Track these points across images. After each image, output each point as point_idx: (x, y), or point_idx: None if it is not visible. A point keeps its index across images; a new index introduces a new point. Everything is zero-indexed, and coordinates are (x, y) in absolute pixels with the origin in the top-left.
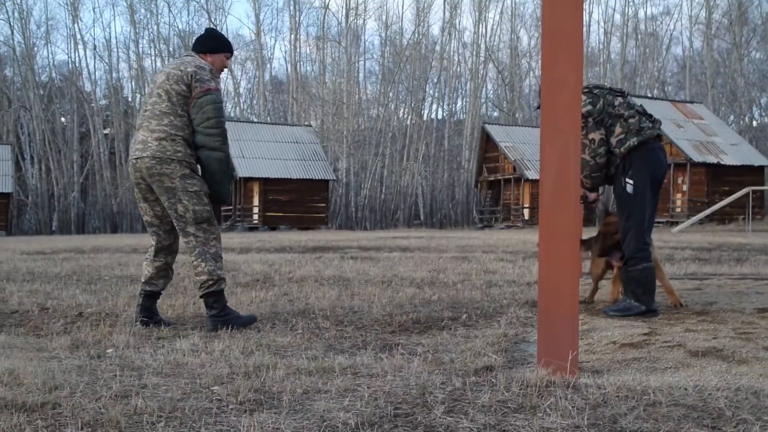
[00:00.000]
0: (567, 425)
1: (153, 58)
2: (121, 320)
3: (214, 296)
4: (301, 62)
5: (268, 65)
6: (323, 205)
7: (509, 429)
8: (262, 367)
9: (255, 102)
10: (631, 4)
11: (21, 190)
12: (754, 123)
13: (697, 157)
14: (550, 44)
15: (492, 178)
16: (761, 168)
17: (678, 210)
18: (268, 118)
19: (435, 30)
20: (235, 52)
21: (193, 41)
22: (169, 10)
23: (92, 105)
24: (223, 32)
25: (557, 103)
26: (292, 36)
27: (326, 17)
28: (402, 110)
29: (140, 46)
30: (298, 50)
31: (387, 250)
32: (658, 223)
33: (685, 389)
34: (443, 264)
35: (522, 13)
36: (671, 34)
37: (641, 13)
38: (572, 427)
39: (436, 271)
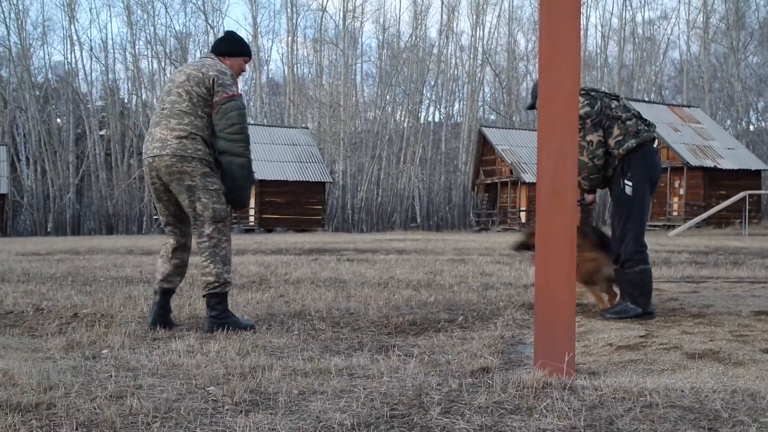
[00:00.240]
0: (563, 426)
1: (149, 59)
2: (116, 321)
3: (217, 297)
4: (298, 64)
5: (265, 67)
6: (320, 207)
7: (506, 430)
8: (258, 368)
9: (252, 104)
10: (628, 8)
11: (16, 191)
12: (751, 127)
13: (694, 161)
14: (547, 47)
15: (489, 181)
16: (758, 172)
17: (675, 214)
18: (265, 120)
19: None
20: None
21: (213, 43)
22: (166, 12)
23: (88, 106)
24: (220, 34)
25: (554, 105)
26: (289, 38)
27: (323, 19)
28: (399, 113)
29: (137, 47)
30: (295, 52)
31: (383, 252)
32: (655, 226)
33: (682, 391)
34: (440, 266)
35: (519, 16)
36: (668, 39)
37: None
38: (569, 428)
39: (433, 273)
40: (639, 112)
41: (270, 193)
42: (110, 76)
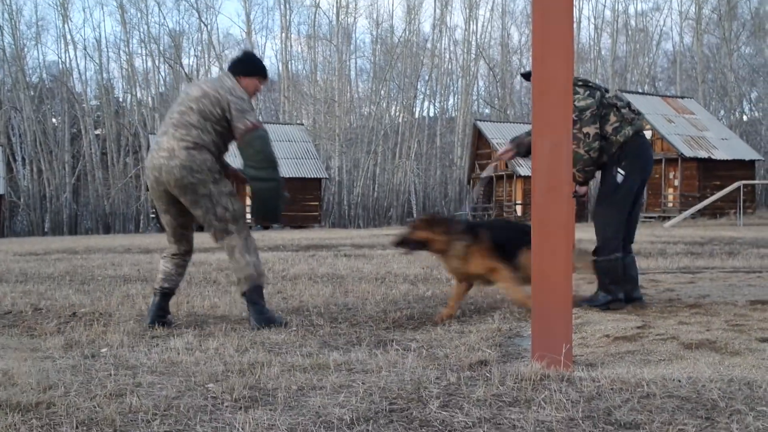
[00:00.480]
0: (562, 418)
1: (143, 57)
2: (114, 320)
3: (258, 291)
4: (293, 61)
5: None
6: (316, 203)
7: (504, 423)
8: (257, 365)
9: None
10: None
11: (13, 192)
12: (745, 117)
13: (688, 152)
14: (540, 40)
15: (484, 175)
16: (752, 162)
17: (670, 205)
18: (260, 116)
19: (426, 27)
20: (226, 51)
21: (230, 61)
22: (159, 10)
23: (83, 105)
24: (213, 32)
25: (548, 99)
26: (283, 34)
27: (317, 16)
28: (394, 108)
29: (130, 45)
30: (289, 49)
31: (380, 247)
32: (650, 217)
33: (679, 381)
34: (437, 260)
35: (512, 10)
36: (661, 30)
37: (631, 9)
38: (567, 419)
39: (430, 267)
40: (628, 102)
41: None
42: (104, 75)
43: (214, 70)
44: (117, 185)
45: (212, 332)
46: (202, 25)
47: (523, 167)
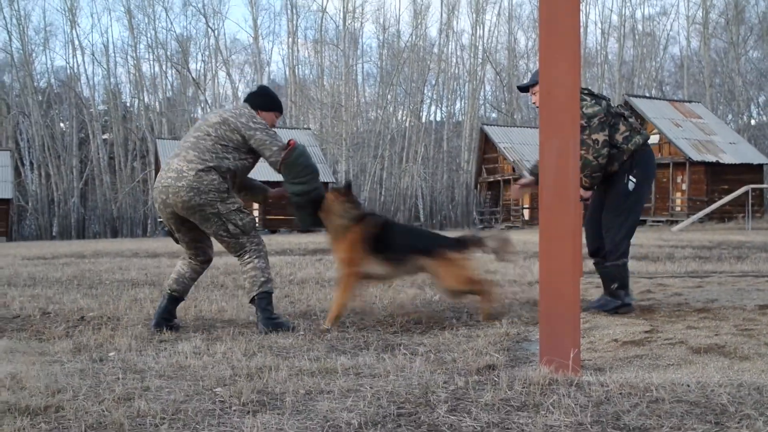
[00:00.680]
0: (570, 423)
1: (151, 62)
2: (122, 324)
3: (268, 297)
4: (299, 66)
5: (267, 69)
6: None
7: (512, 427)
8: (265, 369)
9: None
10: (628, 4)
11: (21, 196)
12: (753, 122)
13: (696, 156)
14: (547, 45)
15: (491, 179)
16: (760, 166)
17: (678, 209)
18: None
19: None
20: (234, 56)
21: (247, 95)
22: (167, 15)
23: (91, 110)
24: (220, 37)
25: (555, 103)
26: (290, 39)
27: (324, 20)
28: (400, 112)
29: (138, 50)
30: (295, 54)
31: None
32: (658, 222)
33: (688, 386)
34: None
35: (519, 14)
36: (668, 34)
37: (638, 14)
38: (575, 424)
39: None
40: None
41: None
42: (112, 80)
43: (221, 75)
44: (124, 189)
45: (220, 336)
46: (210, 30)
47: None
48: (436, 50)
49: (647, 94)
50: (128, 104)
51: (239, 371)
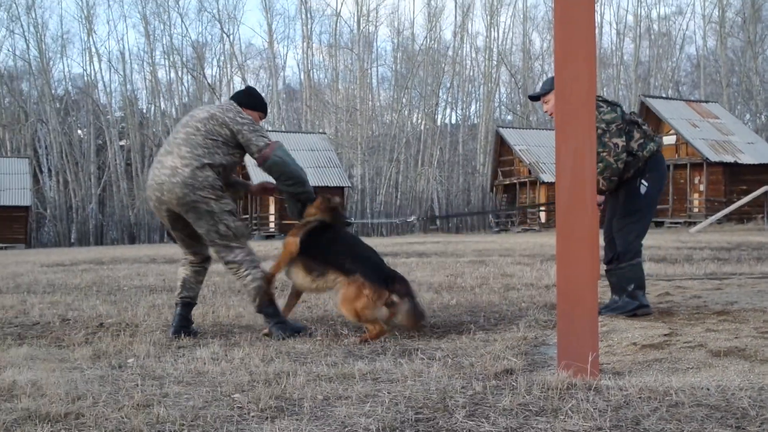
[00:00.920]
0: (589, 428)
1: (167, 69)
2: (141, 330)
3: (271, 303)
4: (314, 70)
5: (281, 73)
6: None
7: None
8: (283, 374)
9: (269, 110)
10: (643, 4)
11: (39, 203)
12: None
13: (713, 157)
14: (562, 46)
15: (507, 182)
16: None
17: (695, 210)
18: (283, 126)
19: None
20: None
21: (234, 93)
22: (182, 21)
23: (108, 117)
24: (235, 42)
25: (571, 104)
26: (305, 44)
27: (338, 25)
28: (416, 115)
29: (154, 57)
30: (310, 58)
31: (404, 255)
32: (675, 223)
33: (708, 389)
34: (460, 268)
35: (534, 15)
36: (684, 34)
37: (654, 13)
38: (594, 429)
39: (454, 275)
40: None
41: None
42: (129, 86)
43: (237, 80)
44: (142, 196)
45: (238, 342)
46: (225, 35)
47: (547, 173)
48: (450, 53)
49: (663, 95)
50: (145, 111)
51: (257, 377)
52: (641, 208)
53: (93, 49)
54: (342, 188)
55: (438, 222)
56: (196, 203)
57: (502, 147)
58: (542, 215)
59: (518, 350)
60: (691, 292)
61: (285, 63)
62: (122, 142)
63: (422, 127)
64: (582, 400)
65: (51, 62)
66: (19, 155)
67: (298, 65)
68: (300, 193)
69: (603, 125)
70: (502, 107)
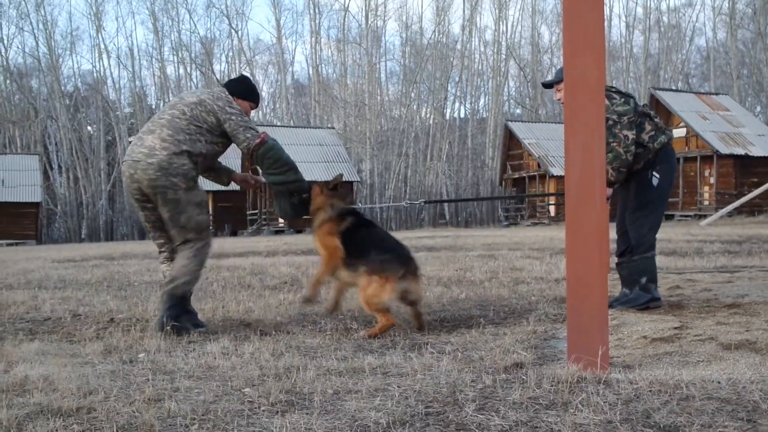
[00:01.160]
0: (599, 421)
1: (175, 64)
2: (151, 325)
3: (184, 296)
4: (323, 65)
5: (290, 69)
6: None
7: (541, 426)
8: (293, 369)
9: (278, 106)
10: None
11: (50, 199)
12: None
13: (724, 149)
14: (571, 39)
15: (516, 176)
16: None
17: (706, 203)
18: (291, 121)
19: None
20: (257, 57)
21: (227, 81)
22: (190, 17)
23: (117, 113)
24: (244, 38)
25: (580, 98)
26: (313, 39)
27: (346, 19)
28: (424, 110)
29: (162, 53)
30: (318, 53)
31: (413, 249)
32: (686, 216)
33: (719, 382)
34: (470, 262)
35: (543, 9)
36: (694, 26)
37: (663, 5)
38: (605, 422)
39: (463, 269)
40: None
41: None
42: (138, 82)
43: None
44: None
45: (248, 336)
46: (233, 31)
47: (556, 167)
48: (459, 47)
49: (673, 87)
50: (154, 106)
51: (267, 371)
52: (653, 200)
53: (102, 46)
54: (351, 183)
55: (447, 216)
56: (165, 188)
57: (511, 141)
58: (551, 209)
59: (528, 344)
60: (701, 285)
61: (293, 58)
62: (131, 138)
63: (431, 122)
64: (592, 393)
65: (60, 59)
66: (29, 152)
67: (307, 60)
68: (293, 181)
69: (615, 116)
70: (511, 101)
